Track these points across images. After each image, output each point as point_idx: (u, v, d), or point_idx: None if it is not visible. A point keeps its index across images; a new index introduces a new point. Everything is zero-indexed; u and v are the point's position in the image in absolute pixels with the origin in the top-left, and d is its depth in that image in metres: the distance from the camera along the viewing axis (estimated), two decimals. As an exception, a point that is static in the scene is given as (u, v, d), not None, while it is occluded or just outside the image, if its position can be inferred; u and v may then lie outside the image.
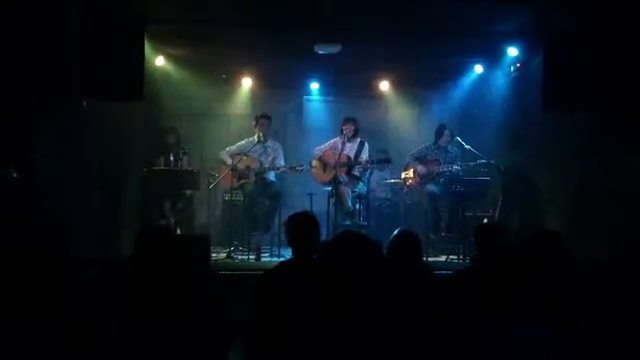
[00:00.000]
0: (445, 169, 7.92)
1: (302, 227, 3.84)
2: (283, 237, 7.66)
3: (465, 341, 3.30)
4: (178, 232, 7.82)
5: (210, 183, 8.22)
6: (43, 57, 5.76)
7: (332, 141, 8.25)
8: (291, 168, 7.91)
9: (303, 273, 3.51)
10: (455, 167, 7.84)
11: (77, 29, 6.13)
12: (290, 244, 3.87)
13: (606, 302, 3.43)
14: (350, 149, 8.03)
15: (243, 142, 8.30)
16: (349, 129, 8.00)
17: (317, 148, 8.31)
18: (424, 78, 9.54)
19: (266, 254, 7.72)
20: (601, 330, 3.29)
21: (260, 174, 8.01)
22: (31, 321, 3.04)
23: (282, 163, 8.13)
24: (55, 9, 5.87)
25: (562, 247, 3.65)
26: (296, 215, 3.99)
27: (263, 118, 8.20)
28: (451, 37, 7.59)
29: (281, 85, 9.84)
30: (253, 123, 8.27)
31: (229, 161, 8.06)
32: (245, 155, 7.96)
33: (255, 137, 8.13)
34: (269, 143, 8.24)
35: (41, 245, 3.29)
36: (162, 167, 8.23)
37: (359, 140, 8.12)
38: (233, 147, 8.30)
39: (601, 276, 3.70)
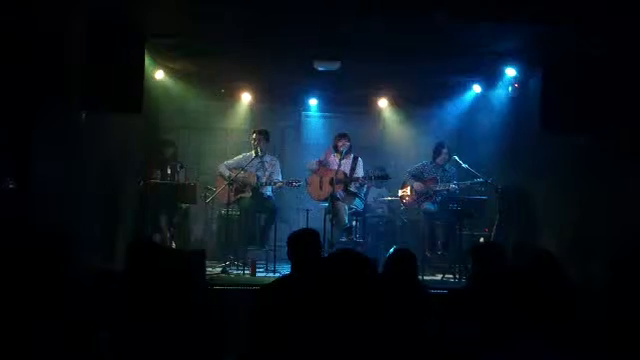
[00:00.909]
0: (442, 187, 7.94)
1: (305, 243, 3.83)
2: (278, 252, 7.74)
3: (460, 360, 3.29)
4: (174, 246, 7.80)
5: (207, 197, 8.21)
6: (43, 68, 5.77)
7: (324, 156, 8.22)
8: (288, 183, 7.92)
9: (301, 289, 3.50)
10: (452, 186, 7.87)
11: (78, 40, 6.14)
12: (290, 258, 3.86)
13: (604, 321, 3.43)
14: (345, 165, 8.04)
15: (241, 156, 8.30)
16: (344, 144, 8.03)
17: (313, 160, 8.29)
18: (422, 96, 9.58)
19: (261, 269, 7.70)
20: (599, 349, 3.28)
21: (257, 189, 8.01)
22: (30, 328, 3.04)
23: (279, 178, 8.14)
24: (56, 21, 5.88)
25: (558, 266, 3.65)
26: (300, 231, 4.00)
27: (260, 134, 8.21)
28: (450, 56, 7.63)
29: (280, 100, 9.87)
30: (252, 137, 8.28)
31: (227, 174, 8.06)
32: (242, 169, 7.96)
33: (253, 152, 8.14)
34: (266, 158, 8.25)
35: (41, 254, 3.29)
36: (159, 180, 8.23)
37: (352, 156, 8.14)
38: (231, 161, 8.31)
39: (599, 295, 3.70)
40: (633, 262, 3.66)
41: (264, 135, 8.22)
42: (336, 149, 8.10)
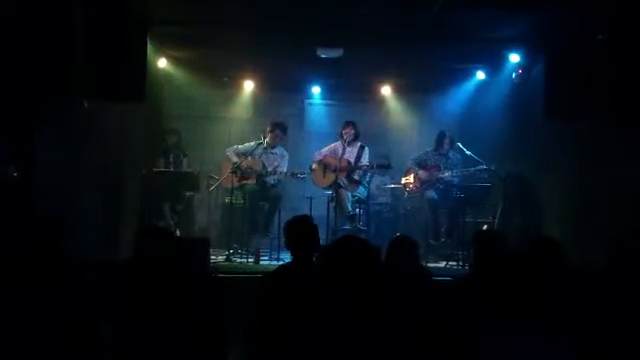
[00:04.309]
0: (445, 175, 7.93)
1: (301, 231, 3.84)
2: (282, 240, 7.71)
3: (463, 347, 3.29)
4: (177, 234, 7.82)
5: (210, 185, 8.21)
6: (45, 57, 5.76)
7: (332, 145, 8.25)
8: (292, 174, 7.89)
9: (302, 276, 3.51)
10: (455, 172, 7.86)
11: (80, 29, 6.13)
12: (288, 247, 3.87)
13: (605, 308, 3.43)
14: (350, 153, 8.03)
15: (252, 143, 8.22)
16: (348, 133, 8.01)
17: (317, 152, 8.32)
18: (425, 83, 9.57)
19: (265, 257, 7.70)
20: (600, 336, 3.28)
21: (261, 177, 8.00)
22: (30, 322, 3.04)
23: (284, 170, 8.11)
24: (58, 8, 5.87)
25: (561, 253, 3.65)
26: (295, 218, 4.00)
27: (279, 129, 8.16)
28: (453, 43, 7.60)
29: (283, 88, 9.85)
30: (268, 129, 8.22)
31: (234, 159, 8.03)
32: (250, 155, 7.96)
33: (264, 141, 8.10)
34: (277, 150, 8.21)
35: (41, 245, 3.29)
36: (162, 168, 8.23)
37: (359, 144, 8.12)
38: (241, 147, 8.26)
39: (601, 282, 3.69)
40: (636, 245, 3.66)
41: (282, 132, 8.18)
42: (341, 136, 8.10)
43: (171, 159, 8.39)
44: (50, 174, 5.83)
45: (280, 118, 8.70)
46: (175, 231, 7.86)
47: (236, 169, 7.83)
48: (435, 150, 8.20)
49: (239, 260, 7.57)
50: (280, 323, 3.20)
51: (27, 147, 5.62)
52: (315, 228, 3.87)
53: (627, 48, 6.09)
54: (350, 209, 7.84)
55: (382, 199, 9.13)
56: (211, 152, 9.30)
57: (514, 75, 8.19)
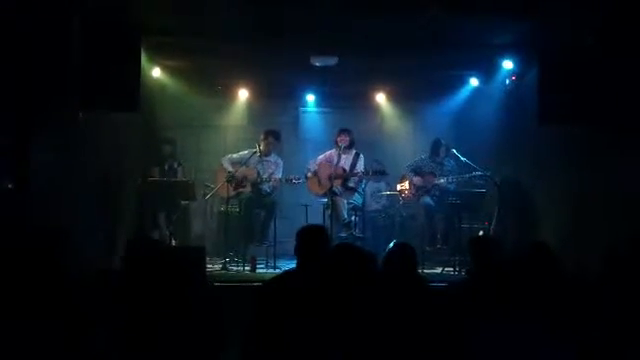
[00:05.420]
0: (441, 181, 7.95)
1: (314, 239, 3.82)
2: (278, 248, 7.75)
3: (460, 352, 3.30)
4: (173, 243, 7.81)
5: (205, 194, 8.21)
6: (40, 68, 5.76)
7: (328, 153, 8.26)
8: (287, 180, 7.90)
9: (304, 283, 3.50)
10: (451, 179, 7.87)
11: (75, 40, 6.14)
12: (297, 253, 3.85)
13: (600, 312, 3.45)
14: (345, 161, 8.05)
15: (246, 152, 8.24)
16: (343, 140, 8.02)
17: (312, 160, 8.32)
18: (420, 90, 9.59)
19: (261, 265, 7.70)
20: (597, 340, 3.30)
21: (256, 185, 8.00)
22: (28, 327, 3.04)
23: (279, 176, 8.11)
24: (53, 21, 5.88)
25: (553, 257, 3.67)
26: (310, 227, 4.01)
27: (272, 137, 8.16)
28: (446, 50, 7.62)
29: (277, 96, 9.85)
30: (261, 137, 8.23)
31: (229, 168, 8.04)
32: (244, 165, 7.96)
33: (258, 149, 8.11)
34: (271, 157, 8.21)
35: (40, 254, 3.29)
36: (157, 178, 8.23)
37: (354, 152, 8.13)
38: (235, 155, 8.27)
39: (596, 286, 3.71)
40: (629, 254, 3.68)
41: (275, 139, 8.19)
42: (336, 144, 8.10)
43: (166, 168, 8.39)
44: (46, 185, 5.82)
45: (275, 126, 8.70)
46: (171, 240, 7.85)
47: (231, 178, 7.84)
48: (430, 157, 8.21)
49: (235, 269, 7.57)
50: (281, 328, 3.20)
51: (23, 159, 5.61)
52: (328, 240, 3.87)
53: (620, 54, 6.12)
54: (346, 217, 7.85)
55: (377, 206, 9.14)
56: (206, 160, 9.30)
57: (507, 81, 8.23)
